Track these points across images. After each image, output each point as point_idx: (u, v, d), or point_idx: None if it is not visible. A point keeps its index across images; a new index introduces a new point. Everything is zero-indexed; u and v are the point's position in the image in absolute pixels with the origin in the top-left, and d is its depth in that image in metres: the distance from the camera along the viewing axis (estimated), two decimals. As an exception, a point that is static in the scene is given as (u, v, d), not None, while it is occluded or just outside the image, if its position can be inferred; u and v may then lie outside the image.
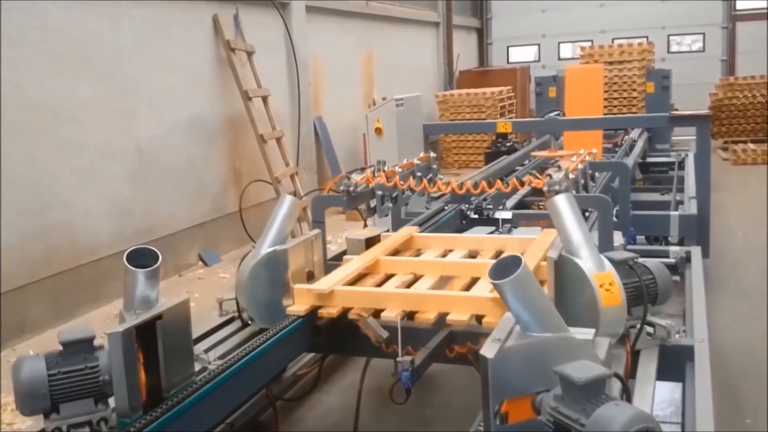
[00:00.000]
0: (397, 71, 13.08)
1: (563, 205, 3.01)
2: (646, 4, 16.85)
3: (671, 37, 17.20)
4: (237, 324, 3.51)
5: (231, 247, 8.09)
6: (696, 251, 4.72)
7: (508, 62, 18.38)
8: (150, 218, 7.02)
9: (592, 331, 2.44)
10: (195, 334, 3.05)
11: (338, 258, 4.29)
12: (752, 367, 4.53)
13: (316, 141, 9.85)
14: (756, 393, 4.18)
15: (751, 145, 13.28)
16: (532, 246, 3.54)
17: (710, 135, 14.22)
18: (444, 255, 3.66)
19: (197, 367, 2.85)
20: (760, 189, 10.41)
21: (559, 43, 17.95)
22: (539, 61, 18.01)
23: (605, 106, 12.69)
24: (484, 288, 3.11)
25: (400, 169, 4.32)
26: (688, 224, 5.79)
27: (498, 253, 3.60)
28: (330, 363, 4.45)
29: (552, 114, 6.93)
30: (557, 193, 3.46)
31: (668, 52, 17.13)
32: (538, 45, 18.22)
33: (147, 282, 2.49)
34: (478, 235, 4.24)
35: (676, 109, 11.49)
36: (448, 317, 2.99)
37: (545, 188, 3.48)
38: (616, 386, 2.11)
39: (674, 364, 3.02)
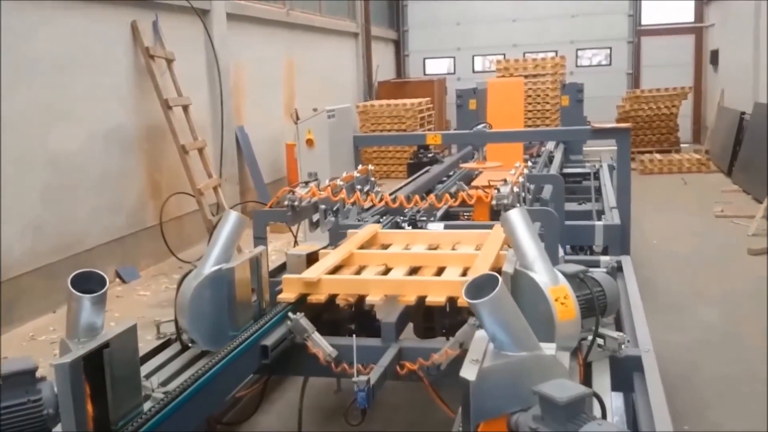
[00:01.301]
0: (318, 81, 12.99)
1: (517, 219, 3.02)
2: (556, 19, 17.44)
3: (579, 52, 17.84)
4: (176, 347, 3.34)
5: (150, 263, 7.78)
6: (626, 260, 4.85)
7: (424, 74, 18.62)
8: (65, 234, 6.66)
9: (554, 345, 2.45)
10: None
11: (274, 274, 4.18)
12: (684, 375, 4.69)
13: (238, 151, 9.63)
14: (690, 400, 4.33)
15: (657, 156, 13.92)
16: (488, 240, 3.66)
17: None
18: (407, 248, 3.88)
19: (140, 395, 2.69)
20: (668, 197, 10.92)
21: (473, 56, 18.31)
22: (454, 73, 18.32)
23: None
24: (454, 274, 3.37)
25: (341, 182, 4.25)
26: (612, 233, 5.95)
27: (455, 246, 3.83)
28: (270, 382, 4.31)
29: (480, 126, 7.00)
30: (505, 207, 3.48)
31: (576, 66, 17.76)
32: (453, 57, 18.54)
33: (93, 308, 2.32)
34: (436, 230, 4.33)
35: (589, 122, 11.92)
36: (427, 299, 3.21)
37: (493, 202, 3.49)
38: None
39: (624, 374, 3.07)
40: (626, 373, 3.09)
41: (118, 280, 7.38)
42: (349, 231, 4.09)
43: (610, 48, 17.70)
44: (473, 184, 7.46)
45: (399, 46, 18.82)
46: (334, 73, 14.12)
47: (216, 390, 2.91)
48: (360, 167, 4.93)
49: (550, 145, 9.48)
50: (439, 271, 3.48)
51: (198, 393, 2.71)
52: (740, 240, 7.95)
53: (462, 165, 6.96)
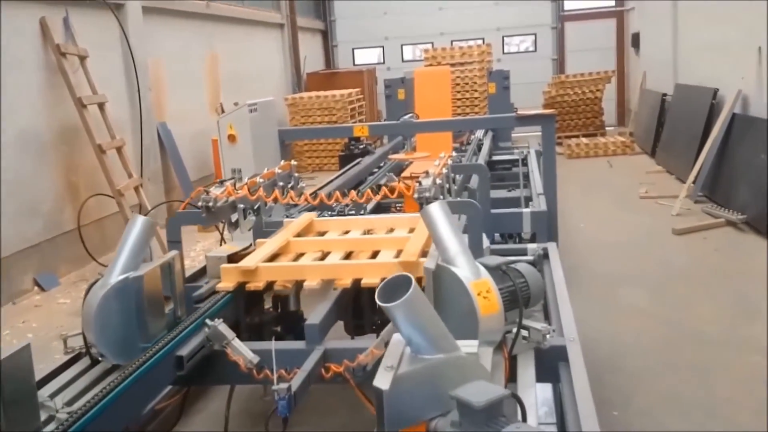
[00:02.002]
0: (243, 74, 12.71)
1: (437, 213, 2.95)
2: (481, 6, 17.53)
3: (505, 38, 18.00)
4: (86, 362, 3.15)
5: (71, 269, 7.45)
6: (552, 247, 4.85)
7: (354, 64, 18.48)
8: (-25, 242, 6.30)
9: (476, 343, 2.39)
10: (37, 376, 2.70)
11: (195, 278, 4.01)
12: (613, 360, 4.73)
13: (161, 149, 9.33)
14: (620, 385, 4.36)
15: (584, 139, 14.16)
16: (419, 224, 3.66)
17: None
18: (343, 235, 3.94)
19: (43, 416, 2.50)
20: (594, 181, 11.11)
21: (401, 45, 18.26)
22: (384, 63, 18.24)
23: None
24: (389, 256, 3.44)
25: (261, 180, 4.09)
26: (539, 220, 5.96)
27: (390, 230, 3.89)
28: (193, 390, 4.15)
29: (406, 116, 6.93)
30: (428, 200, 3.40)
31: (503, 53, 17.90)
32: (382, 47, 18.45)
33: (-22, 330, 2.13)
34: (370, 216, 4.35)
35: (516, 109, 12.03)
36: (363, 282, 3.28)
37: (415, 196, 3.40)
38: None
39: (549, 365, 3.04)
40: (552, 364, 3.06)
41: (36, 288, 7.04)
42: (285, 220, 4.18)
43: (535, 34, 17.91)
44: (403, 175, 7.41)
45: (327, 37, 18.61)
46: (261, 65, 13.84)
47: (126, 406, 2.74)
48: (282, 163, 4.79)
49: (479, 133, 9.51)
50: (374, 255, 3.55)
51: (106, 411, 2.54)
52: (665, 220, 8.13)
53: (391, 156, 6.88)
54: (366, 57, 18.61)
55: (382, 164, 7.80)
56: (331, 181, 6.97)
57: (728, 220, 7.66)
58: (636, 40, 15.93)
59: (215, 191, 3.55)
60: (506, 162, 9.90)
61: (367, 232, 3.97)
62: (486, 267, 2.94)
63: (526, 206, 6.56)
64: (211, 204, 3.50)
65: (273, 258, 3.57)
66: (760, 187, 7.44)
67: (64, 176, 7.49)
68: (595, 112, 15.46)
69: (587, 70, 15.56)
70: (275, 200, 3.87)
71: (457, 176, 4.78)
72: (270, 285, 3.39)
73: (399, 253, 3.44)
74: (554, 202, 6.45)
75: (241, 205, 3.79)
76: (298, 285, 3.44)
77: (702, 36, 10.86)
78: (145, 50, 8.92)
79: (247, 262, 3.37)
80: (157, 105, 9.38)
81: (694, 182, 8.93)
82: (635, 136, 14.22)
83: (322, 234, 4.02)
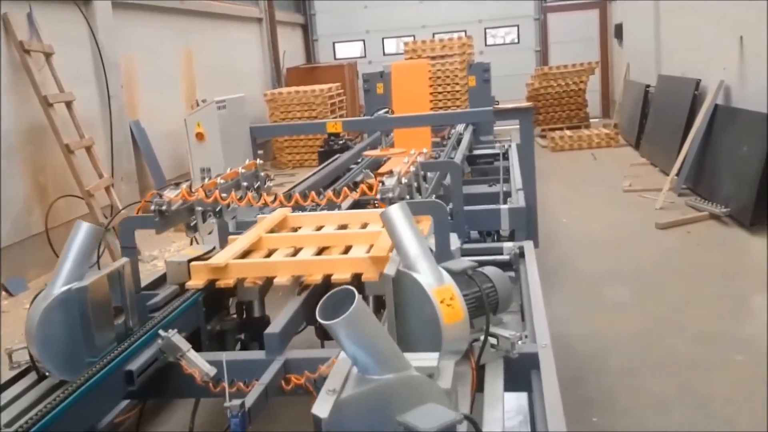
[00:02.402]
0: (220, 70, 12.50)
1: (397, 216, 2.80)
2: (463, -2, 17.39)
3: (488, 30, 17.84)
4: (33, 377, 2.98)
5: (40, 273, 7.24)
6: (528, 246, 4.70)
7: (335, 58, 18.27)
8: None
9: (436, 356, 2.24)
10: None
11: (155, 285, 3.84)
12: (595, 361, 4.60)
13: (135, 148, 9.11)
14: (602, 388, 4.23)
15: (568, 132, 14.04)
16: None
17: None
18: (317, 230, 3.87)
19: (-20, 438, 2.35)
20: (578, 174, 10.99)
21: (383, 38, 18.07)
22: (365, 56, 18.04)
23: (431, 101, 12.90)
24: (361, 251, 3.36)
25: (222, 181, 3.93)
26: (517, 217, 5.82)
27: (365, 225, 3.75)
28: (155, 402, 3.98)
29: (381, 112, 6.79)
30: (391, 201, 3.24)
31: (486, 45, 17.75)
32: (363, 41, 18.25)
33: None
34: (344, 212, 4.21)
35: (497, 102, 11.90)
36: (333, 278, 3.22)
37: (378, 196, 3.25)
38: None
39: (520, 373, 2.90)
40: (523, 372, 2.92)
41: (4, 293, 6.84)
42: (259, 216, 4.13)
43: (518, 26, 17.77)
44: (381, 170, 7.26)
45: (307, 31, 18.39)
46: (238, 61, 13.63)
47: (72, 424, 2.57)
48: (248, 161, 4.63)
49: (460, 127, 9.35)
50: (347, 250, 3.49)
51: (48, 430, 2.39)
52: (648, 214, 8.01)
53: (366, 153, 6.72)
54: (347, 51, 18.40)
55: (360, 160, 7.64)
56: (307, 178, 6.81)
57: (712, 213, 7.55)
58: (619, 31, 15.82)
59: (169, 194, 3.38)
60: (488, 156, 9.77)
61: (342, 227, 3.89)
62: (450, 272, 2.80)
63: (506, 201, 6.44)
64: (164, 208, 3.32)
65: (244, 255, 3.51)
66: (742, 180, 7.33)
67: (31, 177, 7.28)
68: (578, 104, 15.34)
69: (571, 61, 15.43)
70: (230, 204, 3.69)
71: (429, 174, 4.61)
72: (235, 287, 3.36)
73: (371, 248, 3.35)
74: (533, 198, 6.32)
75: (200, 208, 3.62)
76: (263, 289, 3.37)
77: (684, 26, 10.75)
78: (116, 47, 8.70)
79: (216, 260, 3.31)
80: (130, 103, 9.17)
81: (677, 175, 8.83)
82: (619, 128, 14.11)
83: (296, 230, 3.96)
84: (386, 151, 6.48)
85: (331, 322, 1.77)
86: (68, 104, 7.35)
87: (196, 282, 3.32)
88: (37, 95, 7.00)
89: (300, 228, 3.99)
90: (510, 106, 6.35)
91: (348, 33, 18.17)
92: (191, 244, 4.59)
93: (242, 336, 3.68)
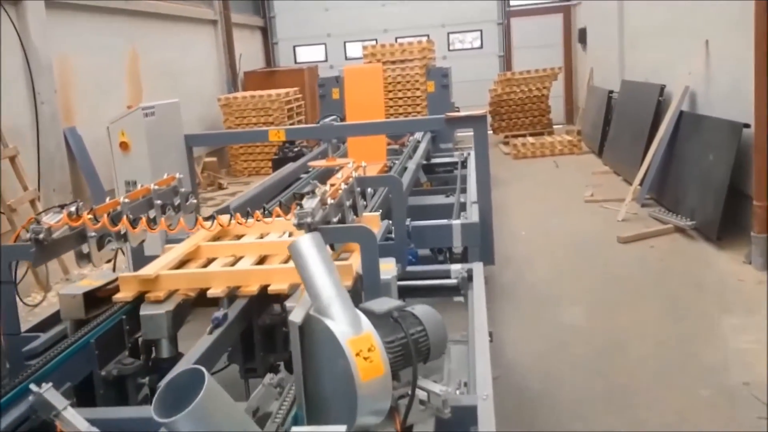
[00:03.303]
0: (170, 74, 11.93)
1: (307, 249, 2.36)
2: (426, 2, 16.97)
3: (451, 35, 17.49)
4: None
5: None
6: (478, 268, 4.29)
7: (295, 62, 17.77)
8: None
9: (344, 428, 1.82)
10: None
11: (48, 324, 3.35)
12: (547, 385, 4.21)
13: (70, 156, 8.53)
14: (554, 414, 3.84)
15: (530, 139, 13.73)
16: None
17: (492, 130, 14.56)
18: (260, 238, 3.70)
19: None
20: (539, 182, 10.65)
21: (345, 42, 17.61)
22: (327, 60, 17.56)
23: (390, 107, 12.48)
24: None
25: (126, 200, 3.44)
26: (470, 233, 5.44)
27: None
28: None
29: (328, 119, 6.35)
30: (310, 227, 2.79)
31: (449, 49, 17.41)
32: (325, 44, 17.77)
33: None
34: (266, 240, 3.79)
35: (458, 108, 11.54)
36: (269, 288, 3.06)
37: (294, 222, 2.79)
38: None
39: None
40: (459, 429, 2.50)
41: None
42: (165, 246, 3.81)
43: (481, 30, 17.45)
44: (331, 181, 6.81)
45: (267, 34, 17.86)
46: (192, 64, 13.07)
47: None
48: (166, 176, 4.14)
49: (418, 134, 8.96)
50: (288, 259, 3.29)
51: None
52: (610, 227, 7.67)
53: (311, 163, 6.27)
54: (308, 54, 17.91)
55: (309, 170, 7.19)
56: (254, 188, 6.35)
57: (677, 226, 7.23)
58: (583, 35, 15.59)
59: (48, 220, 2.88)
60: (447, 164, 9.39)
61: (289, 234, 3.63)
62: (371, 315, 2.37)
63: (464, 211, 6.03)
64: (42, 236, 2.83)
65: (181, 265, 3.35)
66: (708, 190, 7.01)
67: (-51, 190, 6.71)
68: (542, 110, 15.05)
69: (535, 66, 15.14)
70: (147, 226, 3.20)
71: (370, 190, 4.17)
72: (171, 293, 3.10)
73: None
74: (489, 212, 5.93)
75: (93, 234, 3.13)
76: (176, 322, 3.04)
77: (648, 30, 10.48)
78: (48, 49, 8.11)
79: (147, 270, 3.14)
80: (65, 108, 8.59)
81: (640, 184, 8.51)
82: (583, 135, 13.84)
83: (240, 237, 3.75)
84: (333, 161, 6.02)
85: (169, 420, 1.31)
86: (-11, 111, 6.79)
87: (125, 295, 3.11)
88: (-50, 101, 6.43)
89: (243, 235, 3.76)
90: (463, 113, 5.95)
91: (309, 36, 17.68)
92: (114, 267, 4.12)
93: (147, 381, 3.21)
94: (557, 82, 15.37)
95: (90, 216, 3.08)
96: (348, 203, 3.53)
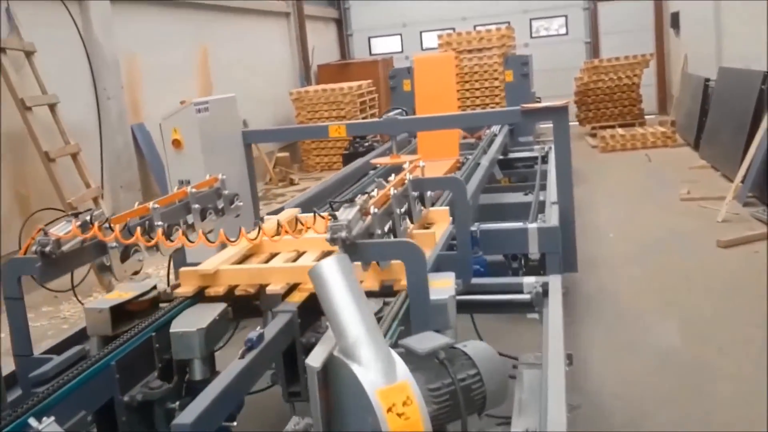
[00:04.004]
0: (241, 69, 11.77)
1: (332, 276, 1.94)
2: (507, -13, 16.28)
3: (534, 21, 16.72)
4: None
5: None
6: (555, 282, 3.77)
7: (370, 54, 17.39)
8: None
9: None
10: None
11: (72, 342, 3.05)
12: (634, 417, 3.64)
13: (138, 153, 8.42)
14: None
15: (620, 130, 12.90)
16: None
17: (578, 121, 13.78)
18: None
19: None
20: (629, 178, 9.88)
21: (421, 32, 17.09)
22: (402, 51, 17.09)
23: (467, 98, 11.93)
24: None
25: (156, 206, 3.10)
26: (549, 238, 4.88)
27: None
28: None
29: (392, 113, 5.90)
30: (345, 243, 2.36)
31: (531, 37, 16.65)
32: (400, 35, 17.31)
33: None
34: None
35: (538, 99, 10.86)
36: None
37: (327, 237, 2.37)
38: None
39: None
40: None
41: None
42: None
43: (566, 16, 16.59)
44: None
45: (341, 26, 17.55)
46: (262, 58, 12.87)
47: None
48: (208, 177, 3.80)
49: (495, 127, 8.41)
50: None
51: None
52: (709, 229, 6.90)
53: (374, 161, 5.85)
54: (384, 46, 17.50)
55: (377, 166, 6.78)
56: (318, 185, 5.99)
57: (784, 228, 6.43)
58: (675, 19, 14.53)
59: (57, 232, 2.56)
60: (526, 160, 8.80)
61: None
62: (412, 355, 1.93)
63: (542, 212, 5.48)
64: (49, 249, 2.51)
65: (243, 260, 3.22)
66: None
67: (12, 189, 6.63)
68: (632, 99, 14.13)
69: (623, 53, 14.23)
70: (156, 243, 2.85)
71: (431, 193, 3.70)
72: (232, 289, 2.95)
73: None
74: (570, 214, 5.37)
75: (114, 245, 2.80)
76: (208, 341, 2.69)
77: (748, 13, 9.52)
78: (113, 44, 7.99)
79: (207, 265, 3.01)
80: (133, 105, 8.48)
81: (742, 181, 7.68)
82: (677, 126, 12.88)
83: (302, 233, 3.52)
84: (397, 158, 5.58)
85: None
86: (52, 107, 6.67)
87: (185, 289, 2.96)
88: (14, 98, 6.32)
89: (309, 230, 3.46)
90: (539, 105, 5.39)
91: (384, 27, 17.25)
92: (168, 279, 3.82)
93: (177, 405, 2.86)
94: (649, 69, 14.40)
95: (107, 226, 2.75)
96: (401, 210, 3.08)
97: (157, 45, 9.24)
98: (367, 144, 10.23)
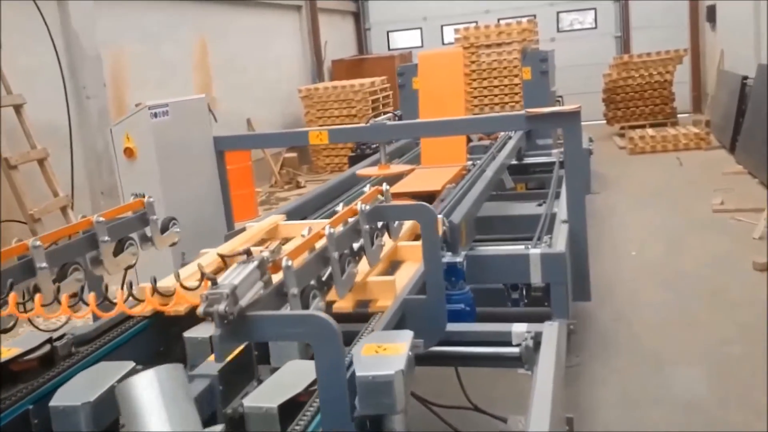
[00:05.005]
0: (247, 63, 11.18)
1: (146, 396, 1.26)
2: (533, -22, 15.45)
3: (561, 15, 15.86)
4: None
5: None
6: (550, 331, 3.07)
7: (389, 49, 16.68)
8: None
9: None
10: None
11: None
12: None
13: (123, 156, 7.84)
14: None
15: (650, 131, 12.05)
16: None
17: (605, 120, 12.93)
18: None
19: None
20: (658, 185, 9.07)
21: (442, 26, 16.33)
22: (422, 46, 16.34)
23: (485, 96, 11.21)
24: None
25: (37, 244, 2.48)
26: (554, 265, 4.17)
27: None
28: None
29: (380, 117, 5.24)
30: (224, 319, 1.69)
31: (558, 30, 15.80)
32: (420, 29, 16.57)
33: None
34: None
35: (560, 98, 10.09)
36: None
37: (199, 310, 1.70)
38: None
39: None
40: None
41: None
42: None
43: (595, 9, 15.71)
44: (397, 190, 5.70)
45: (359, 19, 16.85)
46: (270, 53, 12.24)
47: None
48: (132, 198, 3.18)
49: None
50: None
51: None
52: (744, 247, 6.11)
53: (359, 172, 5.18)
54: (403, 40, 16.76)
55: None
56: (309, 194, 5.34)
57: (832, 248, 5.62)
58: (712, 13, 13.59)
59: None
60: (544, 165, 8.07)
61: None
62: None
63: (549, 232, 4.77)
64: None
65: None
66: None
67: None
68: (664, 97, 13.24)
69: (655, 49, 13.33)
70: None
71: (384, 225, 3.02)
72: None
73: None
74: (581, 235, 4.68)
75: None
76: None
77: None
78: (92, 38, 7.39)
79: (165, 283, 2.62)
80: (117, 103, 7.91)
81: (784, 191, 6.87)
82: (712, 127, 11.99)
83: (285, 242, 3.30)
84: (386, 168, 4.91)
85: None
86: (17, 108, 6.11)
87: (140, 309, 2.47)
88: (-30, 99, 5.79)
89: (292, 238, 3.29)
90: (549, 110, 4.67)
91: (404, 21, 16.51)
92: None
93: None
94: (682, 65, 13.48)
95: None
96: (339, 254, 2.41)
97: (149, 37, 8.66)
98: (375, 146, 9.55)
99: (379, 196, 2.93)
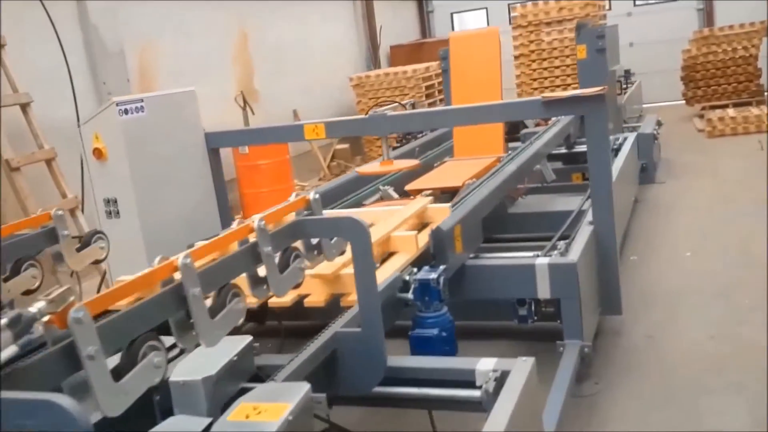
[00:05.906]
0: (294, 52, 10.80)
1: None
2: (608, -50, 14.37)
3: (638, -14, 14.76)
4: None
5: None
6: (521, 369, 2.48)
7: (453, 31, 15.96)
8: None
9: None
10: None
11: None
12: None
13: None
14: None
15: (730, 111, 10.93)
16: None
17: (684, 100, 11.83)
18: None
19: None
20: (732, 173, 8.11)
21: (509, 5, 15.46)
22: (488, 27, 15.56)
23: (545, 78, 10.46)
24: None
25: None
26: (564, 278, 3.58)
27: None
28: None
29: (383, 108, 4.72)
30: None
31: (635, 4, 14.68)
32: (486, 9, 15.77)
33: None
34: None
35: (621, 78, 9.24)
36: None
37: None
38: None
39: None
40: None
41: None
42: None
43: (676, -23, 14.53)
44: (409, 187, 5.19)
45: (422, 1, 16.20)
46: (320, 40, 11.79)
47: None
48: (40, 212, 2.81)
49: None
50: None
51: None
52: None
53: (359, 170, 4.68)
54: (470, 22, 16.01)
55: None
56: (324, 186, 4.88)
57: None
58: (807, -23, 12.24)
59: None
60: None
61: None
62: None
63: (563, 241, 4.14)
64: None
65: None
66: None
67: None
68: (749, 74, 12.01)
69: (740, 20, 12.11)
70: None
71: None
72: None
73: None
74: (610, 239, 4.07)
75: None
76: None
77: None
78: (115, 32, 7.14)
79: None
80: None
81: None
82: (803, 105, 10.78)
83: None
84: (389, 164, 4.39)
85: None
86: (23, 107, 5.92)
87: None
88: (-26, 98, 5.61)
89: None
90: (567, 94, 4.02)
91: (468, 0, 15.77)
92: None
93: None
94: (769, 38, 12.21)
95: None
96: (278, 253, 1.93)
97: (181, 30, 8.38)
98: (420, 135, 9.00)
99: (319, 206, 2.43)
